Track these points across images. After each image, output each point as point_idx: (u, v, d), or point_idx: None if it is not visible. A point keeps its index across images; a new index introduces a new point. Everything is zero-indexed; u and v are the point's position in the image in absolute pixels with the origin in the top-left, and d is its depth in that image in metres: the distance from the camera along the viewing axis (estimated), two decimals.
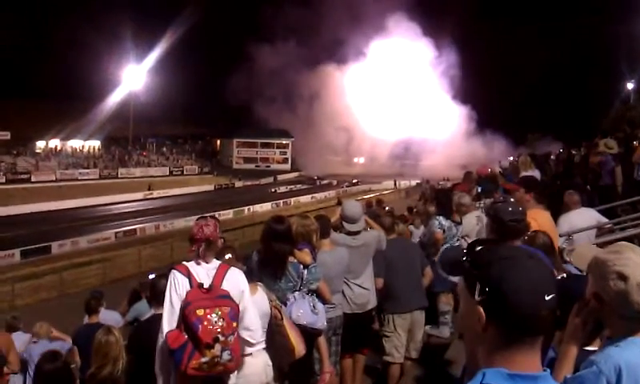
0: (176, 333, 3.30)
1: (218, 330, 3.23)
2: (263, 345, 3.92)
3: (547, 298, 1.39)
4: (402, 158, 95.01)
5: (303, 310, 4.30)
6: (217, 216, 3.92)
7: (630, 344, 1.90)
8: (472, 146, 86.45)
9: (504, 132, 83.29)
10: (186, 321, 3.26)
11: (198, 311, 3.24)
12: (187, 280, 3.44)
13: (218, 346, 3.22)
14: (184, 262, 3.59)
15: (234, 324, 3.35)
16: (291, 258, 4.42)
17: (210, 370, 3.24)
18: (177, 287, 3.43)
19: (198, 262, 3.55)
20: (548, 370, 1.47)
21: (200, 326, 3.20)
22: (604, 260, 1.98)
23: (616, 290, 1.91)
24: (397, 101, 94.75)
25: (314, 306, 4.40)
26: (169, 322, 3.38)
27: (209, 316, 3.24)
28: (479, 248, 1.50)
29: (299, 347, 4.10)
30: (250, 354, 3.78)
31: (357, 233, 5.51)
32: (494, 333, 1.44)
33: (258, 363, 3.83)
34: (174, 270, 3.53)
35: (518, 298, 1.38)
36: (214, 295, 3.38)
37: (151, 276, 9.15)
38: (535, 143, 61.07)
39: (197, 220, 3.70)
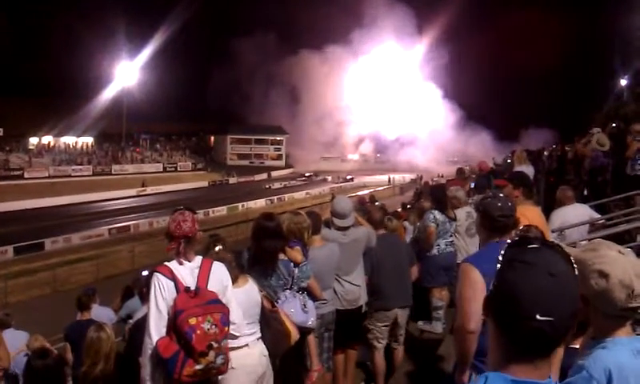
0: (166, 341, 3.23)
1: (212, 337, 3.19)
2: (258, 335, 3.91)
3: (539, 318, 1.31)
4: (391, 154, 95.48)
5: (294, 309, 4.30)
6: (193, 208, 3.70)
7: (617, 345, 1.89)
8: (463, 142, 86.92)
9: (495, 127, 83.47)
10: (178, 330, 3.19)
11: (190, 320, 3.17)
12: (172, 283, 3.34)
13: (212, 353, 3.19)
14: (166, 263, 3.45)
15: (226, 328, 3.31)
16: (282, 256, 4.41)
17: (204, 375, 3.22)
18: (162, 291, 3.33)
19: (180, 261, 3.44)
20: (551, 380, 1.41)
21: (193, 335, 3.15)
22: (582, 259, 1.94)
23: (598, 288, 1.90)
24: (387, 96, 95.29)
25: (304, 305, 4.40)
26: (156, 328, 3.29)
27: (202, 324, 3.18)
28: (516, 243, 1.45)
29: (294, 332, 4.11)
30: (247, 344, 3.77)
31: (346, 228, 5.52)
32: (495, 333, 1.41)
33: (254, 354, 3.83)
34: (156, 273, 3.39)
35: (512, 307, 1.34)
36: (204, 300, 3.29)
37: (144, 272, 9.11)
38: (526, 137, 61.30)
39: (173, 214, 3.52)
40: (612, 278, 1.89)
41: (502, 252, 1.43)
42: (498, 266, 1.41)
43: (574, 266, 1.39)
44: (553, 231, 6.68)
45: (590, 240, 6.00)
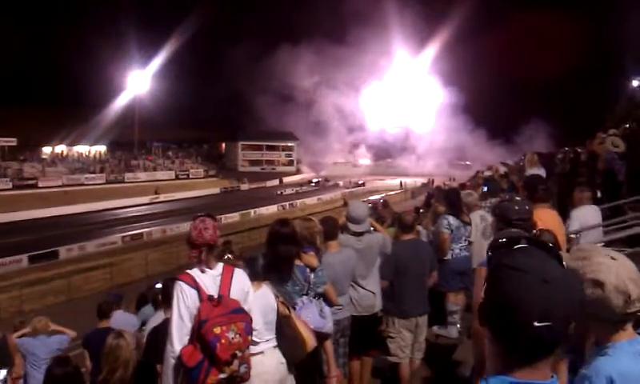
0: (190, 349, 3.21)
1: (236, 346, 3.19)
2: (274, 342, 3.89)
3: (537, 324, 1.29)
4: (402, 159, 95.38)
5: (311, 315, 4.28)
6: (213, 215, 3.67)
7: (619, 351, 1.88)
8: (468, 144, 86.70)
9: (503, 129, 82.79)
10: (202, 339, 3.18)
11: (214, 330, 3.16)
12: (195, 291, 3.33)
13: (236, 362, 3.18)
14: (188, 271, 3.44)
15: (250, 338, 3.32)
16: (297, 261, 4.41)
17: None
18: (185, 299, 3.32)
19: (203, 270, 3.42)
20: (555, 378, 1.41)
21: (218, 345, 3.14)
22: (574, 269, 1.91)
23: (594, 297, 1.88)
24: (391, 97, 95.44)
25: (321, 310, 4.39)
26: (179, 337, 3.28)
27: (226, 334, 3.17)
28: (503, 245, 1.40)
29: (310, 340, 4.08)
30: (262, 351, 3.75)
31: (361, 234, 5.51)
32: (491, 340, 1.40)
33: (271, 362, 3.82)
34: (179, 282, 3.38)
35: (508, 316, 1.32)
36: (228, 309, 3.28)
37: (158, 285, 9.13)
38: (534, 139, 61.05)
39: (194, 221, 3.49)
40: (607, 285, 1.88)
41: (489, 254, 1.42)
42: (488, 269, 1.40)
43: (564, 264, 1.37)
44: (571, 233, 6.67)
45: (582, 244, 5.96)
